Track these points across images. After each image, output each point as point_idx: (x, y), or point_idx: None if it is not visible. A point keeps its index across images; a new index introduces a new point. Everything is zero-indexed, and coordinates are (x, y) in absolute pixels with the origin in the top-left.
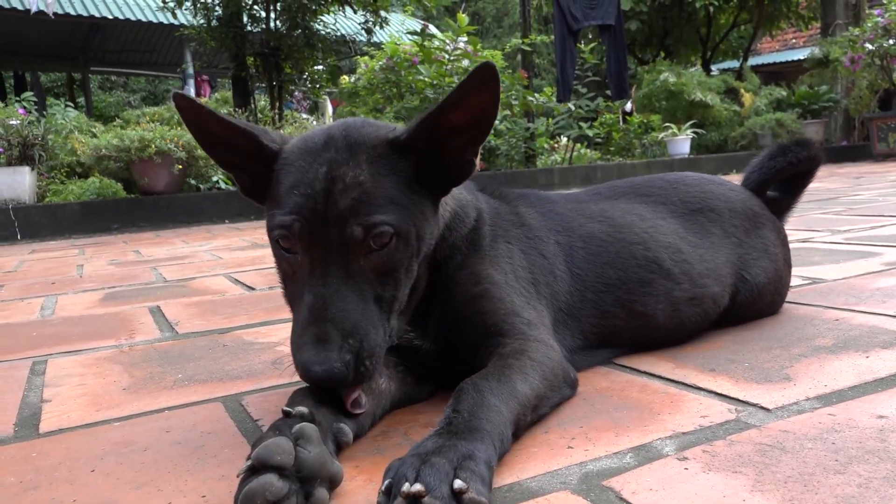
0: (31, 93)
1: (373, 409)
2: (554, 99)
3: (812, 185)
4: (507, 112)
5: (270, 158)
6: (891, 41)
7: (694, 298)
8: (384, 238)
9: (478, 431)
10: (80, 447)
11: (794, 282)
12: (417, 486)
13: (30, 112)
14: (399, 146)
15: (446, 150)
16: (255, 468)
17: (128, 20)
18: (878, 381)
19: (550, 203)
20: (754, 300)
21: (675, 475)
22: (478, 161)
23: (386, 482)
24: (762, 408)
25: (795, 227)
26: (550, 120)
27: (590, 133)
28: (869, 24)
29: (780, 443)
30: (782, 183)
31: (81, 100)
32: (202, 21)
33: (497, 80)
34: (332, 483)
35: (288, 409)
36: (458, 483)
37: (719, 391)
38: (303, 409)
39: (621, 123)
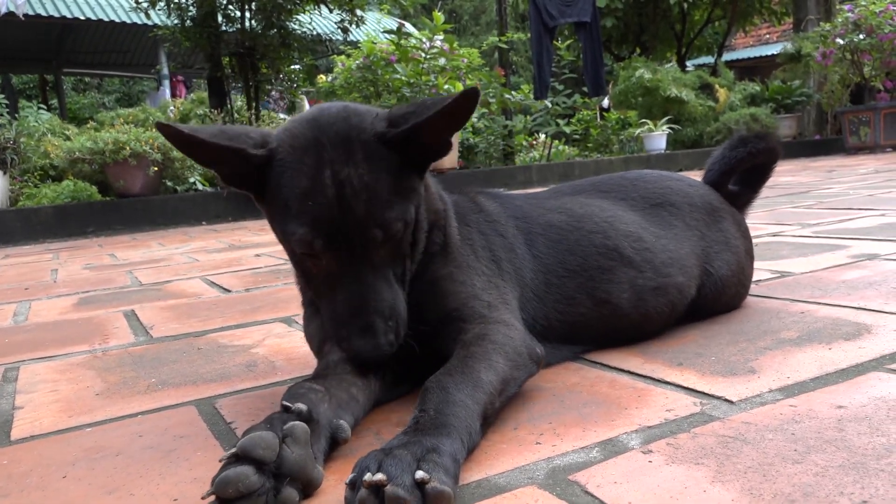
0: (3, 95)
1: (364, 403)
2: (531, 96)
3: (784, 179)
4: (485, 110)
5: (261, 164)
6: (861, 36)
7: (658, 288)
8: (398, 232)
9: (444, 427)
10: (52, 454)
11: (762, 275)
12: (379, 476)
13: (1, 115)
14: (387, 141)
15: (426, 137)
16: (238, 457)
17: (100, 21)
18: (839, 373)
19: (509, 197)
20: (719, 293)
21: (640, 468)
22: (456, 158)
23: (351, 475)
24: (726, 400)
25: (766, 220)
26: (528, 117)
27: (567, 130)
28: (840, 20)
29: (742, 434)
30: (742, 176)
31: (54, 101)
32: (176, 21)
33: (477, 100)
34: (310, 487)
35: (287, 404)
36: (420, 473)
37: (685, 385)
38: (302, 406)
39: (598, 120)
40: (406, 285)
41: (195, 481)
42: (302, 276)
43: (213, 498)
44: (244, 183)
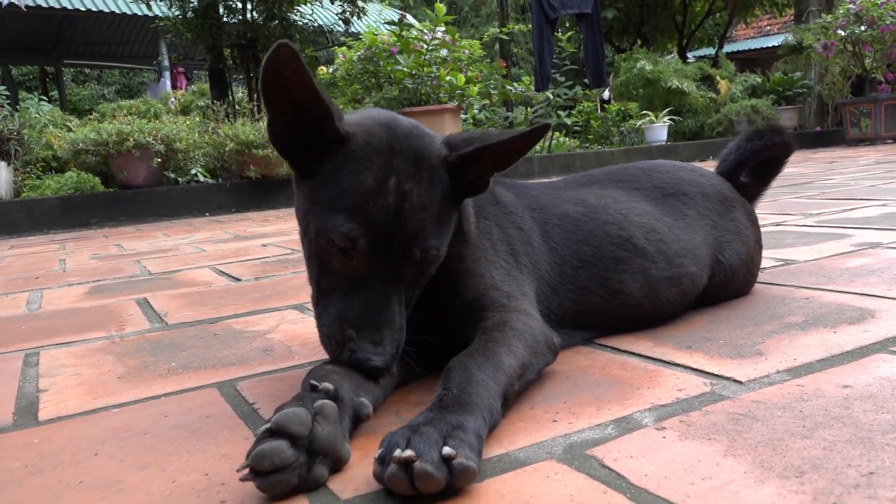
0: (3, 86)
1: (384, 384)
2: (532, 88)
3: (787, 171)
4: (487, 101)
5: (334, 140)
6: (862, 27)
7: (671, 278)
8: (433, 259)
9: (467, 405)
10: (81, 433)
11: (767, 263)
12: (408, 452)
13: (2, 106)
14: (448, 165)
15: (471, 171)
16: (273, 431)
17: (101, 12)
18: (844, 354)
19: (525, 187)
20: (728, 282)
21: (654, 443)
22: None
23: (379, 451)
24: (735, 381)
25: (770, 211)
26: (529, 109)
27: (568, 121)
28: (841, 11)
29: (752, 412)
30: (754, 169)
31: (55, 93)
32: (177, 12)
33: (543, 136)
34: (338, 463)
35: (315, 383)
36: (446, 449)
37: (695, 367)
38: (329, 385)
39: (599, 111)
40: (407, 312)
41: (224, 458)
42: (318, 269)
43: (247, 471)
44: (296, 148)
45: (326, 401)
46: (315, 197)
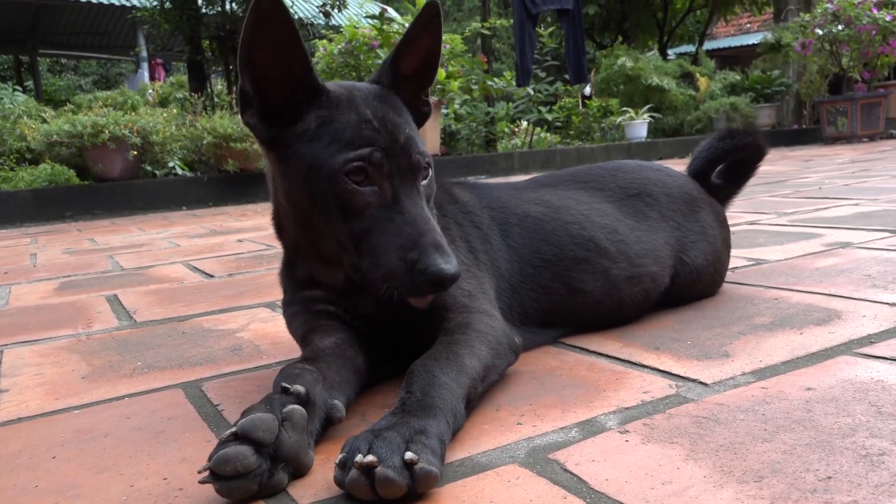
0: None
1: (355, 384)
2: (514, 83)
3: (763, 169)
4: (468, 96)
5: (314, 93)
6: (840, 27)
7: (632, 277)
8: (430, 167)
9: (430, 409)
10: (40, 435)
11: (738, 263)
12: (370, 457)
13: None
14: (391, 84)
15: (408, 94)
16: (238, 436)
17: (77, 1)
18: (809, 356)
19: (487, 187)
20: (694, 282)
21: (617, 447)
22: (438, 145)
23: (341, 456)
24: (701, 383)
25: (743, 209)
26: (510, 104)
27: (549, 117)
28: (819, 10)
29: (715, 415)
30: (727, 171)
31: (30, 83)
32: (155, 3)
33: (440, 18)
34: (301, 470)
35: (286, 385)
36: (408, 454)
37: (662, 368)
38: (300, 388)
39: (580, 107)
40: None
41: (184, 461)
42: (342, 219)
43: (207, 473)
44: (275, 116)
45: (296, 406)
46: (312, 157)
